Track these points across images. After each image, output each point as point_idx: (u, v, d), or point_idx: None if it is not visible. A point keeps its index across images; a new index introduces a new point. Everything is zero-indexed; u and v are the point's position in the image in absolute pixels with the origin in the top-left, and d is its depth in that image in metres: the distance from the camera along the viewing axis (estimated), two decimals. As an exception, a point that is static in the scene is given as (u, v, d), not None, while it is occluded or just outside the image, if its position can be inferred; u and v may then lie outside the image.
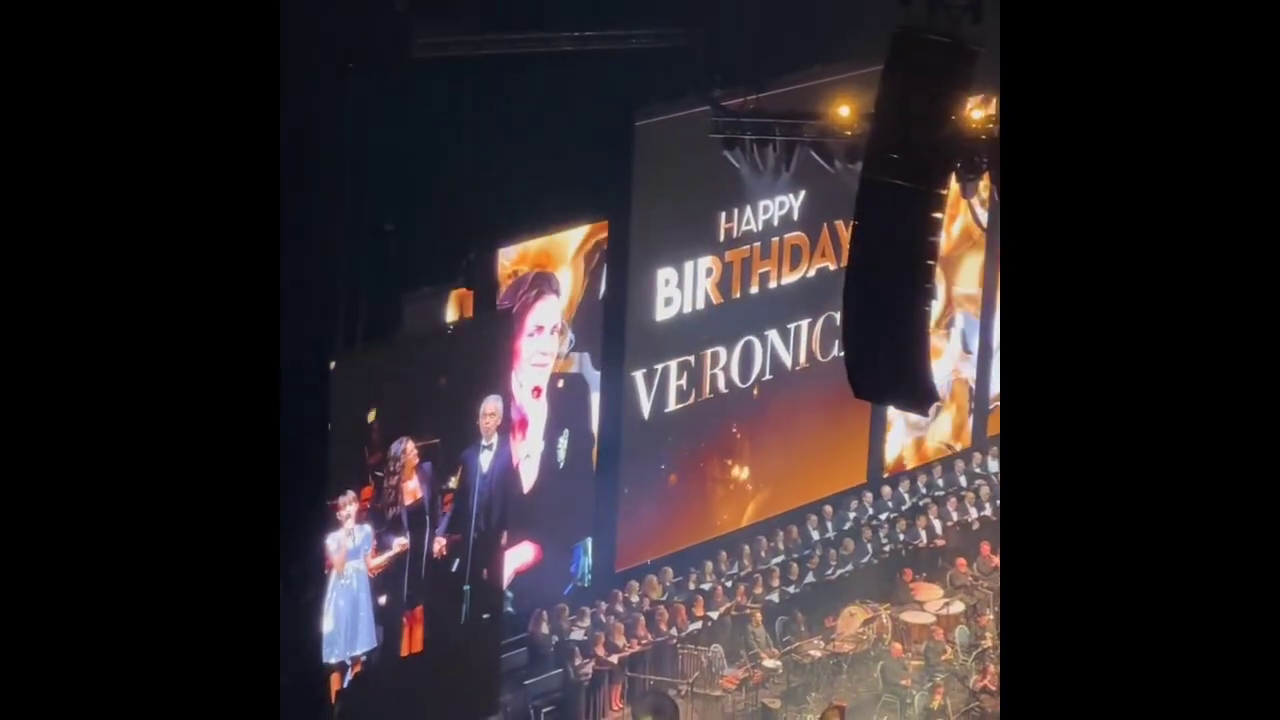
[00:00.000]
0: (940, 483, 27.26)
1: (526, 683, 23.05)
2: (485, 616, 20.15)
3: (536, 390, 23.28)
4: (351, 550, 18.24)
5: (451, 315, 22.29)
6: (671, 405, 24.82)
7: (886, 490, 26.80)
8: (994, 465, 27.58)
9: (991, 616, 24.89)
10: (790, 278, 25.66)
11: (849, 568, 25.57)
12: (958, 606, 25.00)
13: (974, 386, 28.39)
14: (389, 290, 21.57)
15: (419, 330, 21.48)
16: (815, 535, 25.77)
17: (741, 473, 25.82)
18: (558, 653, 23.27)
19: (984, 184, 21.00)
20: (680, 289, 24.65)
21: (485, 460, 21.09)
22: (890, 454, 27.39)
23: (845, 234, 21.24)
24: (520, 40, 21.98)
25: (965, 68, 18.67)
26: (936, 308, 19.13)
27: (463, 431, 20.37)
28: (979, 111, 20.91)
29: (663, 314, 24.50)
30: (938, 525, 26.45)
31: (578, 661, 23.11)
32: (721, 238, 24.79)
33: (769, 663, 23.91)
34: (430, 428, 19.90)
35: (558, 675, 23.21)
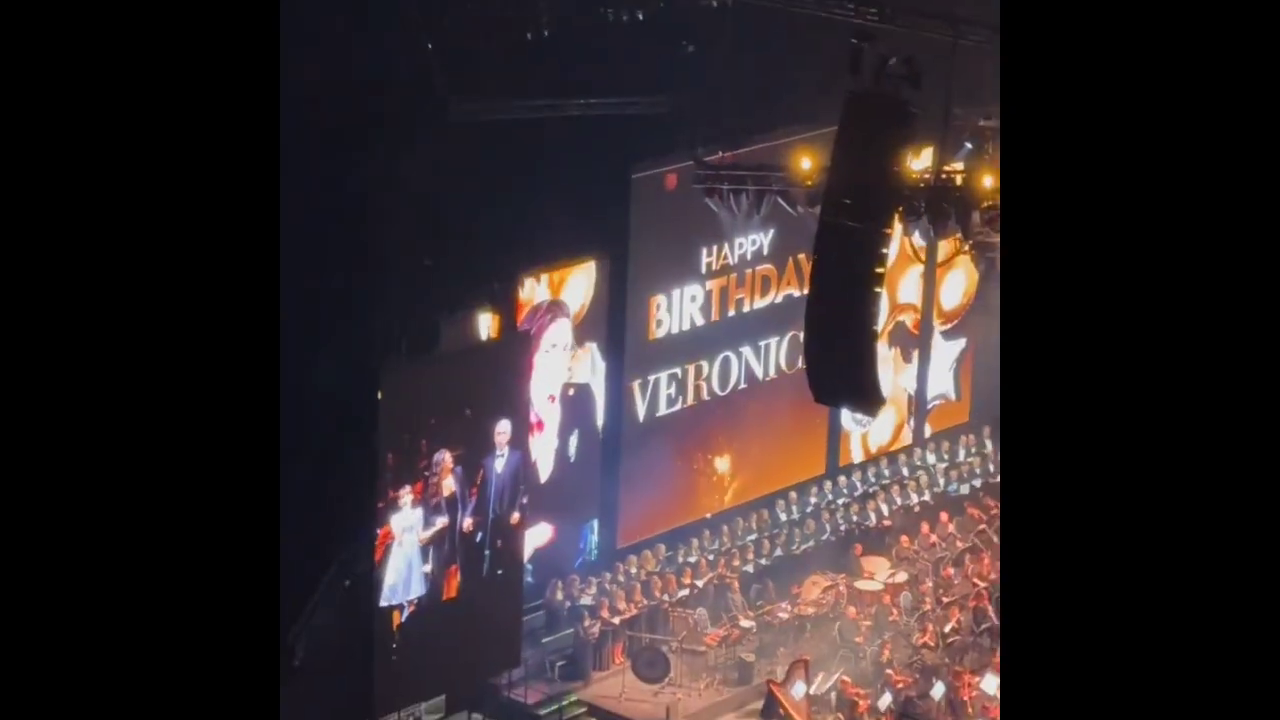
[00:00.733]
0: (886, 473, 27.74)
1: (544, 641, 23.85)
2: (500, 572, 21.77)
3: (551, 397, 23.81)
4: (407, 527, 20.59)
5: (481, 335, 22.77)
6: (663, 410, 25.50)
7: (842, 479, 27.30)
8: (931, 458, 28.00)
9: (930, 584, 25.16)
10: (761, 303, 26.26)
11: (811, 544, 26.11)
12: (902, 576, 25.48)
13: (911, 393, 28.29)
14: (428, 313, 22.35)
15: (454, 346, 22.28)
16: (783, 517, 26.37)
17: (721, 465, 26.33)
18: (570, 616, 24.03)
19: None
20: (670, 312, 25.30)
21: (499, 465, 22.01)
22: (844, 450, 27.84)
23: (806, 266, 21.64)
24: (535, 107, 22.19)
25: (906, 127, 19.03)
26: (881, 318, 19.39)
27: (483, 445, 21.67)
28: (918, 163, 21.17)
29: (655, 334, 25.13)
30: (885, 509, 26.99)
31: (586, 623, 23.80)
32: (704, 270, 25.39)
33: (745, 623, 24.33)
34: (461, 442, 21.34)
35: (570, 634, 23.95)
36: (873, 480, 27.63)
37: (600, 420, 24.72)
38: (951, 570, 25.68)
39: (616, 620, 24.05)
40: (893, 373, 27.23)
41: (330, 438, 20.61)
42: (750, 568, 25.40)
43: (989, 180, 20.99)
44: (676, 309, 25.39)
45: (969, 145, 22.50)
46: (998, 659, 23.40)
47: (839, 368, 19.31)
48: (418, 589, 20.70)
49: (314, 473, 19.75)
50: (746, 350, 26.33)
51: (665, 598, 24.42)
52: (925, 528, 26.60)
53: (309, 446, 19.39)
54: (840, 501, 27.06)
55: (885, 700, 22.78)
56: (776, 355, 26.60)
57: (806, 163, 21.25)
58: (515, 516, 21.84)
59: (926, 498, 27.56)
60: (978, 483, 28.06)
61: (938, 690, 22.96)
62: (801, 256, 24.72)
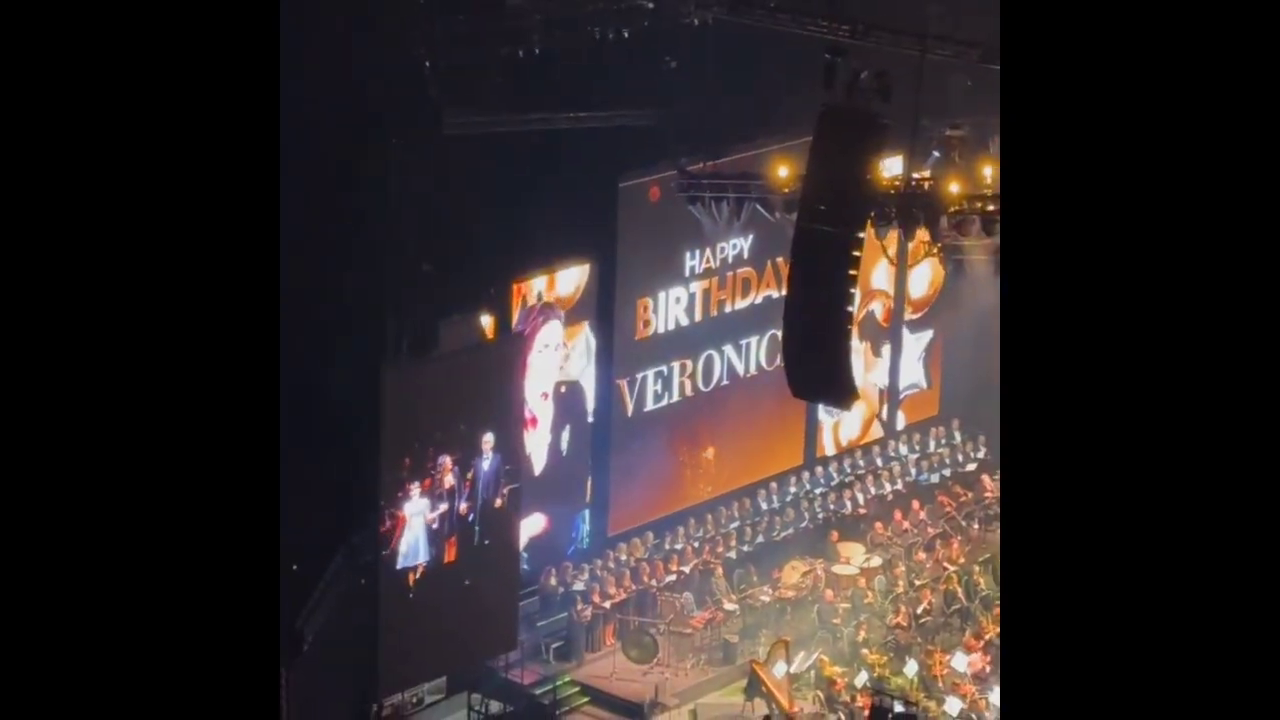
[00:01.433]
0: (861, 464, 27.90)
1: (539, 624, 23.99)
2: (486, 542, 22.51)
3: (544, 395, 24.07)
4: (416, 512, 21.84)
5: (478, 336, 23.00)
6: (650, 405, 25.64)
7: (819, 470, 27.47)
8: (904, 450, 28.17)
9: (903, 568, 25.30)
10: (742, 304, 26.36)
11: (790, 531, 26.25)
12: (876, 561, 25.64)
13: (881, 388, 28.52)
14: (427, 316, 22.45)
15: (452, 347, 22.50)
16: (764, 505, 26.54)
17: (705, 457, 26.40)
18: (563, 600, 24.18)
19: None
20: (656, 313, 25.42)
21: (485, 465, 22.53)
22: (821, 443, 27.97)
23: (784, 269, 21.72)
24: (528, 120, 22.36)
25: (877, 137, 19.20)
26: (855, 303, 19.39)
27: (474, 450, 22.42)
28: (888, 171, 21.28)
29: (643, 333, 25.29)
30: (860, 497, 27.13)
31: (579, 607, 23.97)
32: (687, 273, 25.59)
33: (728, 606, 24.50)
34: (458, 448, 22.21)
35: (563, 618, 24.13)
36: (848, 471, 27.74)
37: (591, 416, 24.97)
38: (923, 555, 25.92)
39: (607, 604, 24.22)
40: (863, 368, 27.25)
41: (335, 435, 20.73)
42: (733, 554, 25.56)
43: (955, 186, 21.26)
44: (662, 310, 25.56)
45: (936, 154, 22.76)
46: (967, 638, 23.94)
47: (815, 364, 19.44)
48: (424, 556, 21.97)
49: (320, 468, 20.29)
50: (728, 348, 26.51)
51: (653, 583, 24.60)
52: (898, 515, 26.85)
53: (315, 443, 19.87)
54: (818, 491, 27.19)
55: (861, 678, 22.91)
56: (757, 353, 26.73)
57: (784, 171, 21.39)
58: (499, 502, 22.59)
59: (899, 487, 27.70)
60: (947, 472, 28.31)
61: (910, 668, 23.17)
62: (780, 260, 24.76)
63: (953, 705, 22.52)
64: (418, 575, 21.93)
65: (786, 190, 21.15)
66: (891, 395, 28.68)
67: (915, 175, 21.36)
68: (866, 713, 21.45)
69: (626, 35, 22.41)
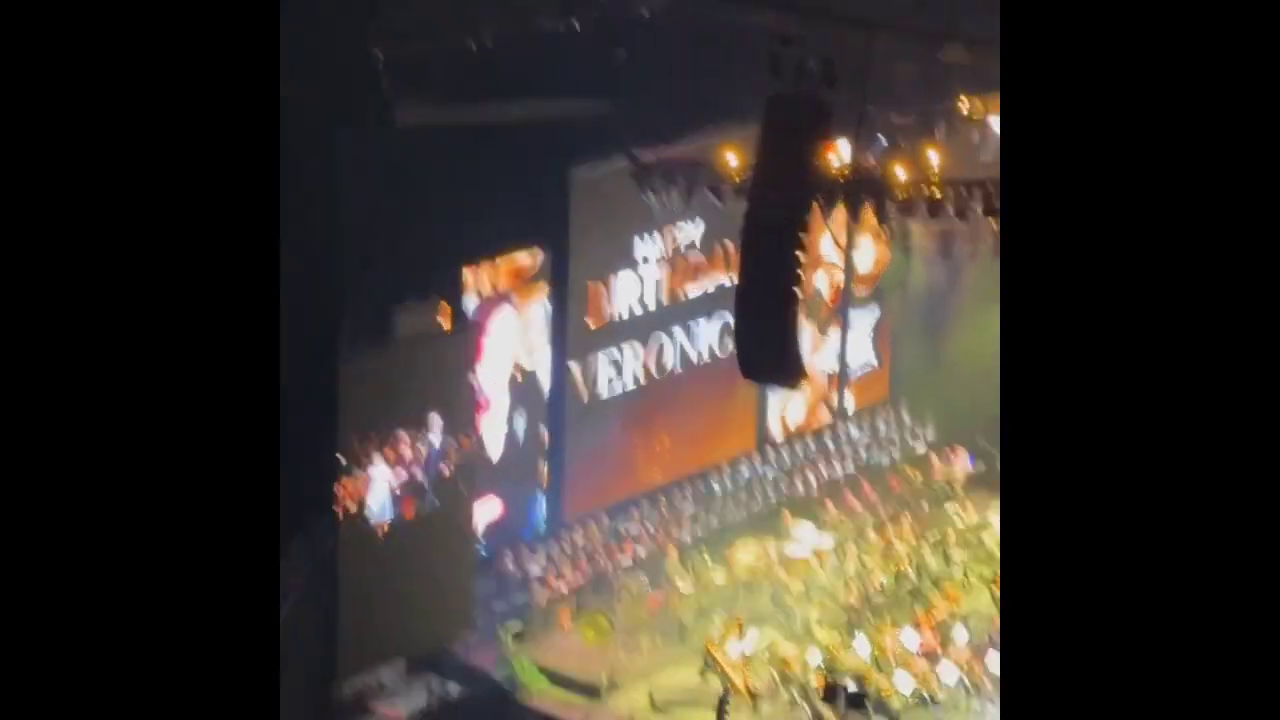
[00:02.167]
0: (813, 446, 27.84)
1: (497, 608, 23.80)
2: (437, 503, 22.86)
3: (499, 381, 24.09)
4: (380, 477, 22.34)
5: (433, 324, 22.96)
6: (604, 392, 25.53)
7: (771, 453, 27.46)
8: (855, 433, 28.25)
9: (854, 549, 25.45)
10: (693, 289, 26.28)
11: (743, 513, 26.39)
12: (828, 542, 25.63)
13: (829, 373, 28.37)
14: (383, 303, 22.29)
15: (408, 333, 22.55)
16: (716, 489, 26.56)
17: (659, 443, 26.30)
18: (520, 584, 24.12)
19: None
20: (608, 300, 25.31)
21: (435, 439, 22.62)
22: (772, 426, 27.90)
23: (734, 254, 21.98)
24: (481, 110, 22.19)
25: (823, 123, 19.31)
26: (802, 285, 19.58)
27: (425, 431, 22.63)
28: (835, 157, 20.98)
29: (595, 320, 25.19)
30: (812, 479, 27.20)
31: (536, 590, 24.00)
32: (639, 260, 25.50)
33: (683, 588, 24.50)
34: (413, 427, 22.46)
35: (521, 602, 24.05)
36: (800, 454, 27.78)
37: (545, 401, 24.91)
38: (874, 535, 26.06)
39: (564, 587, 24.36)
40: (810, 349, 26.73)
41: (294, 419, 20.19)
42: (687, 536, 25.74)
43: (902, 172, 21.31)
44: (614, 296, 25.55)
45: (883, 140, 22.97)
46: (918, 616, 24.08)
47: (764, 345, 19.62)
48: (389, 515, 22.45)
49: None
50: (680, 334, 26.48)
51: (609, 566, 24.73)
52: (849, 497, 27.00)
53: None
54: (770, 474, 27.29)
55: (815, 657, 22.96)
56: (708, 338, 26.71)
57: (733, 159, 21.36)
58: (447, 472, 22.90)
59: (850, 469, 27.87)
60: (896, 454, 28.52)
61: (862, 646, 23.28)
62: (730, 245, 24.75)
63: (904, 682, 22.68)
64: (384, 531, 22.44)
65: (736, 178, 21.18)
66: (842, 374, 28.69)
67: (862, 161, 21.43)
68: (820, 691, 21.89)
69: (577, 27, 22.26)
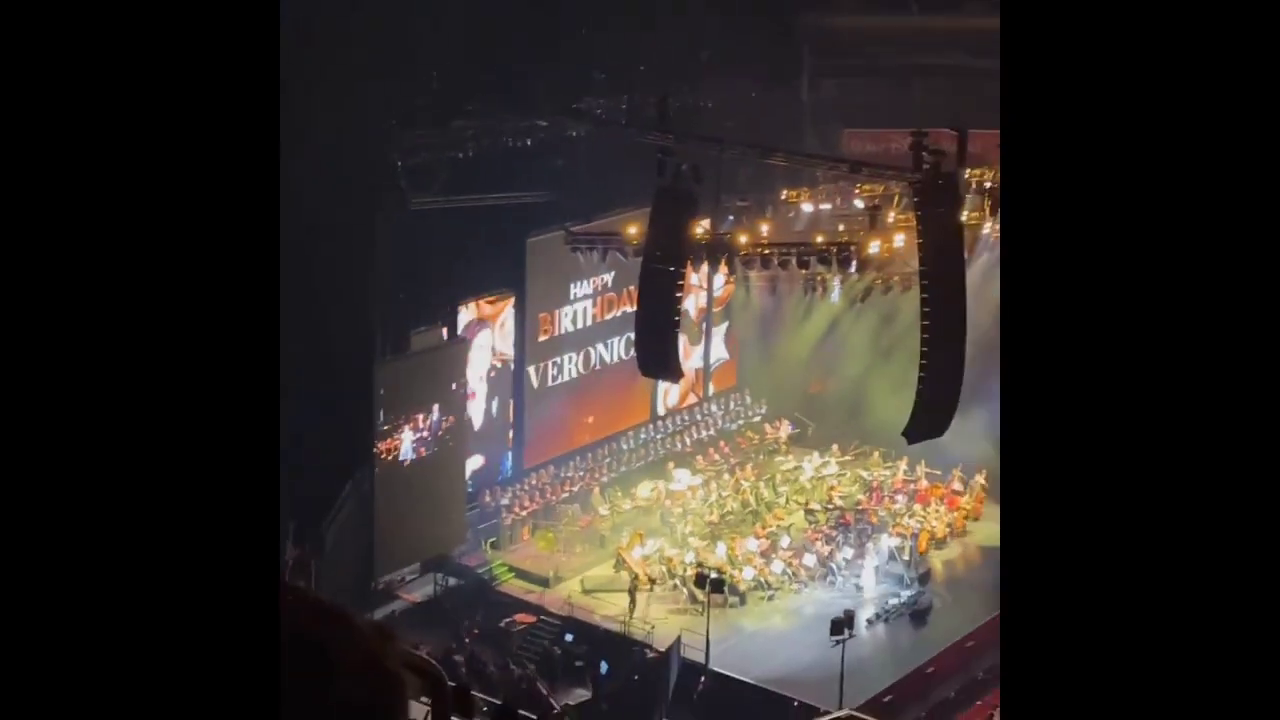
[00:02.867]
0: (687, 418, 28.78)
1: (480, 527, 24.84)
2: (436, 450, 23.27)
3: (480, 376, 25.09)
4: (405, 438, 22.87)
5: (435, 340, 23.50)
6: (550, 383, 26.44)
7: (660, 423, 28.29)
8: (715, 409, 28.98)
9: (714, 485, 26.30)
10: (609, 316, 26.79)
11: (642, 463, 27.46)
12: (698, 481, 26.66)
13: (697, 369, 27.90)
14: (403, 327, 23.38)
15: (420, 347, 23.63)
16: (624, 446, 27.65)
17: (586, 417, 26.98)
18: (495, 511, 25.24)
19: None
20: (554, 324, 26.29)
21: (435, 417, 23.25)
22: (660, 404, 28.47)
23: (635, 294, 22.38)
24: (467, 198, 22.98)
25: (692, 207, 20.43)
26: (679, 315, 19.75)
27: (430, 411, 23.23)
28: (701, 229, 21.61)
29: (544, 336, 26.15)
30: (687, 439, 28.32)
31: (505, 515, 25.18)
32: (573, 297, 26.52)
33: (603, 512, 25.58)
34: (422, 409, 23.03)
35: (496, 523, 25.08)
36: (678, 423, 28.82)
37: (511, 390, 25.92)
38: (728, 476, 27.64)
39: (524, 513, 25.39)
40: (684, 356, 26.26)
41: (343, 407, 21.01)
42: (606, 478, 26.68)
43: (744, 238, 22.92)
44: (558, 322, 26.38)
45: (731, 218, 24.20)
46: (755, 528, 25.75)
47: (655, 354, 20.67)
48: (411, 456, 23.47)
49: (339, 428, 21.35)
50: (600, 346, 27.19)
51: (554, 499, 25.64)
52: (711, 451, 28.20)
53: (336, 414, 21.04)
54: (659, 437, 28.29)
55: (689, 558, 24.25)
56: (618, 348, 27.15)
57: (633, 230, 22.30)
58: (442, 433, 23.71)
59: (712, 432, 28.83)
60: (742, 423, 29.68)
61: (720, 549, 24.79)
62: (631, 288, 24.41)
63: (748, 573, 24.21)
64: (407, 465, 23.60)
65: (635, 243, 22.04)
66: (705, 369, 29.68)
67: (718, 231, 22.34)
68: (693, 579, 22.53)
69: (529, 143, 23.71)
